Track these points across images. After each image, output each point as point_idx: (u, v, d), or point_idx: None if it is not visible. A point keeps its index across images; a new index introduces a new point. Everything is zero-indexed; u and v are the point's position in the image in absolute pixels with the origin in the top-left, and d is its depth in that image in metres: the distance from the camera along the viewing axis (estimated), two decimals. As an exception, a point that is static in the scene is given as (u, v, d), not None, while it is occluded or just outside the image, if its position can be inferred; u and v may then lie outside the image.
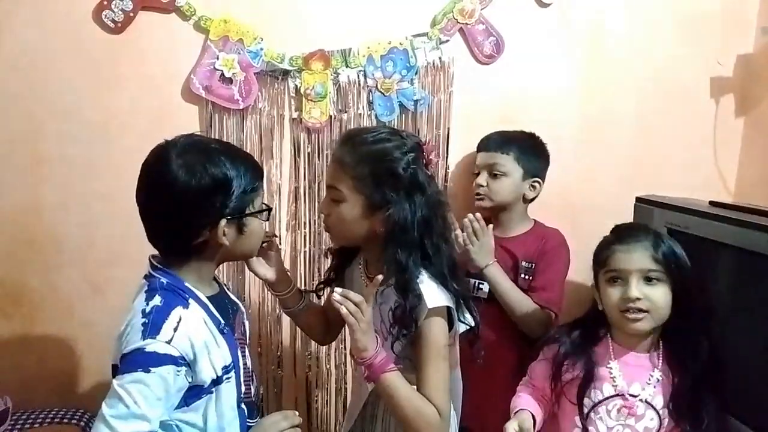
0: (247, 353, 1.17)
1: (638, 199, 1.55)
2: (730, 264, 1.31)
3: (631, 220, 1.54)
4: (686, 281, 1.18)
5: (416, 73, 1.70)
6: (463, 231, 1.52)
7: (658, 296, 1.17)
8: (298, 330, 1.80)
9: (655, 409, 1.19)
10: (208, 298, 1.07)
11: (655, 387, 1.20)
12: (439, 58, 1.71)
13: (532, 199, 1.64)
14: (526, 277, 1.58)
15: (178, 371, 0.98)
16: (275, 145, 1.71)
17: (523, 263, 1.58)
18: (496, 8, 1.71)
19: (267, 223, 1.17)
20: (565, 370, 1.26)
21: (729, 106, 1.84)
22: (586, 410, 1.23)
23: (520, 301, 1.52)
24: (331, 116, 1.69)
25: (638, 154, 1.83)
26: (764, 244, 1.18)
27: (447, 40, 1.71)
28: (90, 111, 1.63)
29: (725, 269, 1.34)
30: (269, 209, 1.13)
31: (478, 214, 1.54)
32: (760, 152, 1.80)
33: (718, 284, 1.35)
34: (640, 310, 1.17)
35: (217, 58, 1.62)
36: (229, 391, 1.06)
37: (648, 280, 1.17)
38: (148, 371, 0.95)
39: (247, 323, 1.23)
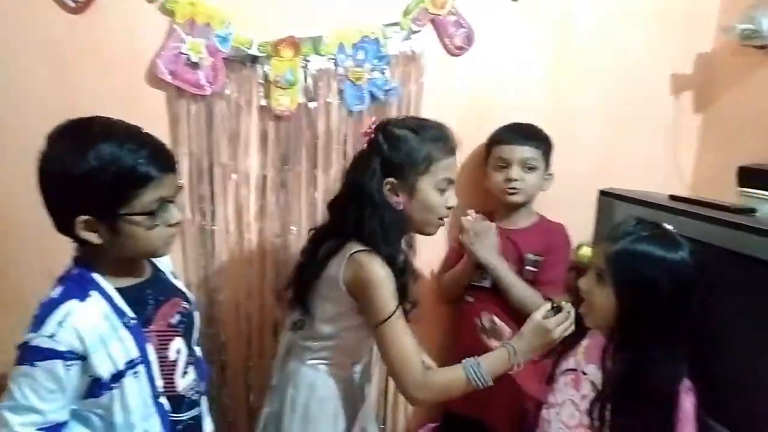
0: (182, 345, 1.14)
1: (601, 192, 1.59)
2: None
3: (595, 213, 1.58)
4: (642, 293, 1.11)
5: (387, 63, 1.69)
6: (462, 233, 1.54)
7: (599, 297, 1.15)
8: (266, 321, 1.80)
9: (596, 389, 1.19)
10: (122, 289, 1.04)
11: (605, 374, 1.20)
12: (411, 48, 1.71)
13: None
14: (533, 269, 1.62)
15: (68, 365, 0.97)
16: (243, 132, 1.68)
17: (530, 255, 1.63)
18: (467, 0, 1.72)
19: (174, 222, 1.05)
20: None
21: (688, 102, 1.91)
22: (555, 375, 1.28)
23: (529, 297, 1.56)
24: (300, 104, 1.67)
25: (603, 147, 1.88)
26: (720, 236, 1.23)
27: (418, 31, 1.71)
28: (47, 95, 1.56)
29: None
30: (149, 213, 1.00)
31: (479, 214, 1.56)
32: (716, 148, 1.87)
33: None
34: (582, 302, 1.20)
35: (184, 42, 1.57)
36: (136, 385, 1.03)
37: (599, 277, 1.16)
38: (33, 365, 0.95)
39: (195, 315, 1.21)
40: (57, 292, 1.01)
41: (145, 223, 1.00)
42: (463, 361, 1.21)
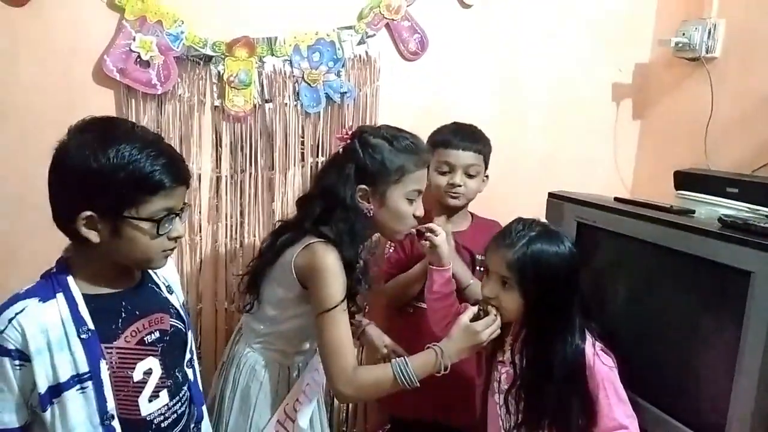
0: (155, 366, 1.05)
1: (550, 195, 1.65)
2: (633, 254, 1.44)
3: (544, 215, 1.64)
4: (546, 289, 1.20)
5: (343, 66, 1.70)
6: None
7: (507, 300, 1.24)
8: (219, 325, 1.76)
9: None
10: (93, 297, 0.99)
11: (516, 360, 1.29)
12: (366, 52, 1.73)
13: None
14: (481, 269, 1.64)
15: (16, 365, 0.92)
16: (195, 133, 1.65)
17: (478, 257, 1.64)
18: (421, 6, 1.75)
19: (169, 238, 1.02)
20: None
21: (627, 110, 2.02)
22: (492, 369, 1.36)
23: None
24: (255, 105, 1.66)
25: (547, 151, 1.96)
26: (661, 236, 1.31)
27: (373, 35, 1.73)
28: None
29: (628, 259, 1.47)
30: (154, 221, 0.98)
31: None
32: (654, 153, 1.99)
33: (622, 273, 1.48)
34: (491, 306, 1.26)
35: (134, 40, 1.53)
36: (81, 403, 0.96)
37: (504, 283, 1.24)
38: None
39: (188, 335, 1.15)
40: (25, 288, 0.97)
41: (149, 231, 0.98)
42: (392, 360, 1.23)
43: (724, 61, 1.71)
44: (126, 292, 1.05)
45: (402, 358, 1.24)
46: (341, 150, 1.33)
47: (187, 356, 1.15)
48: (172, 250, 1.05)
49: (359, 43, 1.72)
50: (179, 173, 1.01)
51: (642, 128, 2.03)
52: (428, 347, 1.26)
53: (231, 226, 1.72)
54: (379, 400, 1.79)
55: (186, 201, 1.06)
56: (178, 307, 1.14)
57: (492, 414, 1.37)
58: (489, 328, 1.24)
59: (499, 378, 1.33)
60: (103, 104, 1.55)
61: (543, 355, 1.22)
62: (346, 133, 1.33)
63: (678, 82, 1.87)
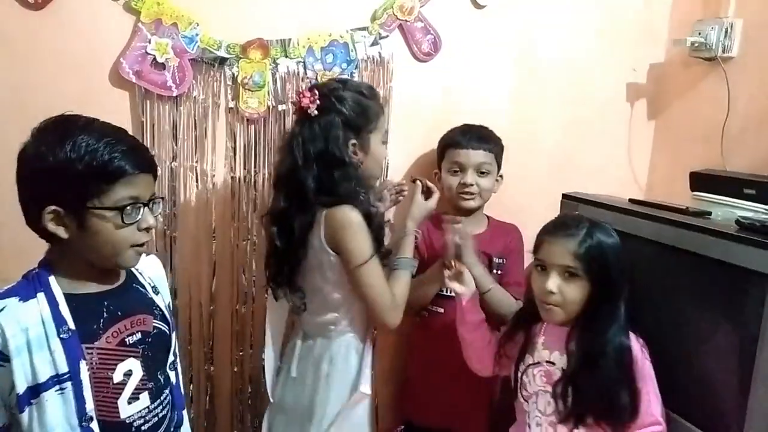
0: (136, 367, 1.04)
1: (564, 196, 1.64)
2: (648, 256, 1.43)
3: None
4: (606, 279, 1.23)
5: (356, 67, 1.70)
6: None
7: (572, 292, 1.24)
8: (232, 326, 1.77)
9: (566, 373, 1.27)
10: (74, 296, 0.99)
11: (569, 356, 1.27)
12: (379, 53, 1.73)
13: None
14: (498, 271, 1.65)
15: None
16: (209, 134, 1.65)
17: (496, 259, 1.64)
18: (434, 7, 1.75)
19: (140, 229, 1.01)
20: (509, 346, 1.38)
21: (642, 110, 2.00)
22: (519, 373, 1.33)
23: (504, 300, 1.57)
24: (269, 107, 1.66)
25: (561, 152, 1.94)
26: (677, 238, 1.30)
27: (386, 36, 1.73)
28: (1, 92, 1.50)
29: (643, 262, 1.46)
30: (118, 209, 0.97)
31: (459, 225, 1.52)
32: (669, 154, 1.97)
33: (637, 276, 1.46)
34: (554, 304, 1.25)
35: (149, 42, 1.54)
36: (59, 404, 0.94)
37: (568, 274, 1.24)
38: None
39: (171, 337, 1.14)
40: (7, 287, 0.98)
41: (114, 220, 0.97)
42: (397, 262, 1.41)
43: (742, 61, 1.69)
44: (109, 292, 1.05)
45: (402, 256, 1.43)
46: (315, 112, 1.32)
47: (170, 359, 1.15)
48: (143, 244, 1.03)
49: (372, 45, 1.72)
50: (140, 160, 1.00)
51: (657, 129, 2.01)
52: (401, 235, 1.48)
53: (245, 227, 1.72)
54: (394, 406, 1.81)
55: (160, 194, 1.06)
56: (163, 309, 1.13)
57: (520, 420, 1.36)
58: (434, 199, 1.55)
59: (531, 380, 1.32)
60: (118, 106, 1.56)
61: (597, 345, 1.23)
62: (305, 95, 1.32)
63: (694, 82, 1.85)
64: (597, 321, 1.24)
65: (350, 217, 1.29)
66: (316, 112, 1.32)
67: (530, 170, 1.91)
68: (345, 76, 1.50)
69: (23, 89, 1.51)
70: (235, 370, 1.80)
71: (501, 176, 1.72)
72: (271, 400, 1.49)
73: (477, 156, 1.64)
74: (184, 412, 1.21)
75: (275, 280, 1.42)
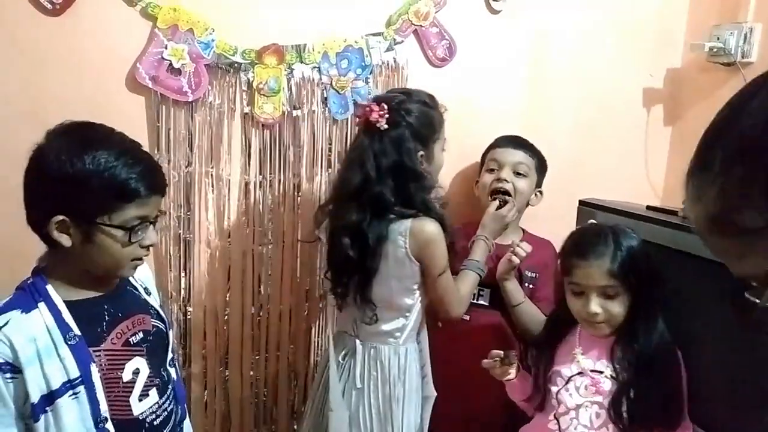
0: (142, 365, 1.07)
1: (581, 202, 1.63)
2: (667, 264, 1.41)
3: (574, 222, 1.62)
4: (642, 284, 1.25)
5: (371, 73, 1.70)
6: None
7: (616, 308, 1.25)
8: (246, 331, 1.77)
9: (617, 379, 1.26)
10: (75, 303, 1.00)
11: (618, 365, 1.27)
12: (394, 58, 1.72)
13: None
14: (530, 285, 1.64)
15: (7, 378, 0.92)
16: (225, 140, 1.66)
17: (527, 273, 1.63)
18: (449, 12, 1.74)
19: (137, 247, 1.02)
20: (534, 362, 1.38)
21: (659, 116, 1.98)
22: (556, 388, 1.31)
23: (534, 314, 1.57)
24: (284, 112, 1.66)
25: (578, 159, 1.93)
26: (694, 245, 1.28)
27: (401, 41, 1.72)
28: (17, 97, 1.50)
29: (663, 269, 1.44)
30: (127, 229, 0.98)
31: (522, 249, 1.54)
32: (685, 159, 1.92)
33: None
34: (600, 321, 1.25)
35: (166, 48, 1.55)
36: (74, 408, 0.96)
37: (606, 294, 1.24)
38: None
39: (169, 334, 1.16)
40: (5, 300, 0.98)
41: (121, 239, 0.99)
42: (467, 264, 1.49)
43: (761, 67, 1.66)
44: (106, 295, 1.06)
45: (471, 259, 1.50)
46: (385, 126, 1.34)
47: (169, 355, 1.17)
48: (142, 258, 1.05)
49: (387, 50, 1.72)
50: (155, 182, 1.02)
51: (674, 134, 1.99)
52: (474, 240, 1.53)
53: (260, 232, 1.72)
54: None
55: (161, 209, 1.07)
56: (157, 308, 1.16)
57: None
58: (510, 212, 1.58)
59: (574, 392, 1.29)
60: (134, 111, 1.57)
61: (647, 350, 1.23)
62: (376, 109, 1.34)
63: (712, 88, 1.83)
64: (640, 326, 1.25)
65: (434, 231, 1.35)
66: (386, 126, 1.34)
67: (546, 176, 1.89)
68: (407, 87, 1.55)
69: (41, 94, 1.51)
70: (251, 374, 1.80)
71: (540, 192, 1.71)
72: (332, 409, 1.46)
73: (515, 155, 1.65)
74: (185, 406, 1.23)
75: (344, 291, 1.43)
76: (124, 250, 1.00)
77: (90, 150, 0.95)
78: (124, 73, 1.56)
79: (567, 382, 1.30)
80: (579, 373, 1.29)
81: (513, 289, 1.58)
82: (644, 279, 1.25)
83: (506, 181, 1.62)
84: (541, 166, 1.71)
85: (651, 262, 1.27)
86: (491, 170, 1.67)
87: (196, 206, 1.66)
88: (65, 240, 0.97)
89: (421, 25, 1.72)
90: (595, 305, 1.24)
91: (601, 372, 1.27)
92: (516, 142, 1.69)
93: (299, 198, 1.73)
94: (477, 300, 1.61)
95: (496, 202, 1.59)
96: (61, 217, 0.95)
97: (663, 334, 1.25)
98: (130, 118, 1.57)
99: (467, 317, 1.64)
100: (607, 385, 1.27)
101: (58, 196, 0.96)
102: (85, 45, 1.52)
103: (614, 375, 1.26)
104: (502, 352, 1.38)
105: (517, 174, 1.64)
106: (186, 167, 1.63)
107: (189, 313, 1.71)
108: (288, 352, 1.82)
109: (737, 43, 1.69)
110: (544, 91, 1.88)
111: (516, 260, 1.53)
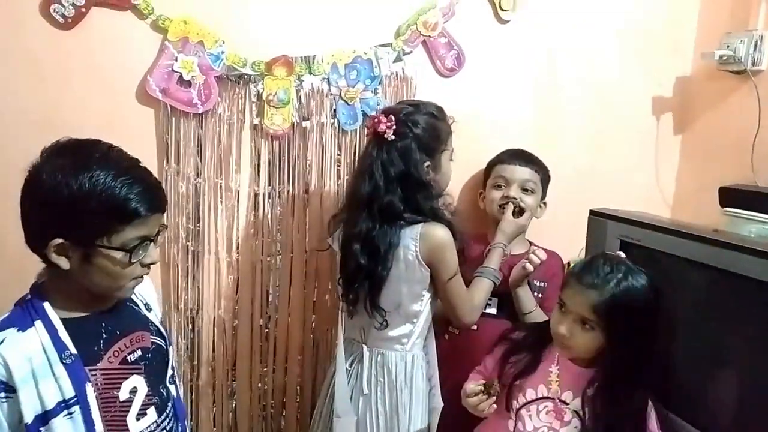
0: (140, 383, 1.05)
1: (592, 212, 1.61)
2: (681, 275, 1.39)
3: (585, 233, 1.61)
4: (631, 333, 1.17)
5: (380, 83, 1.70)
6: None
7: (587, 340, 1.20)
8: (254, 342, 1.76)
9: (582, 420, 1.22)
10: (71, 321, 0.98)
11: (587, 407, 1.21)
12: (402, 69, 1.72)
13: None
14: (539, 295, 1.64)
15: (2, 397, 0.90)
16: (234, 151, 1.66)
17: (536, 282, 1.63)
18: (458, 22, 1.75)
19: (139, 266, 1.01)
20: (512, 363, 1.31)
21: (668, 124, 1.97)
22: (517, 405, 1.28)
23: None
24: (293, 123, 1.67)
25: (587, 168, 1.92)
26: (707, 255, 1.27)
27: (410, 52, 1.72)
28: (29, 109, 1.51)
29: (676, 280, 1.42)
30: (127, 250, 0.96)
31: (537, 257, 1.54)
32: (696, 169, 1.94)
33: (669, 295, 1.43)
34: (565, 343, 1.22)
35: (176, 60, 1.56)
36: (68, 429, 0.94)
37: (583, 323, 1.19)
38: None
39: (169, 351, 1.14)
40: (2, 317, 0.96)
41: (121, 260, 0.97)
42: (482, 271, 1.50)
43: (772, 75, 1.67)
44: (104, 312, 1.04)
45: (486, 266, 1.51)
46: (392, 137, 1.37)
47: (169, 372, 1.15)
48: (142, 277, 1.03)
49: (396, 61, 1.72)
50: (154, 201, 0.99)
51: (684, 143, 1.98)
52: (491, 246, 1.55)
53: (268, 243, 1.72)
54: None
55: (163, 223, 1.04)
56: (158, 324, 1.14)
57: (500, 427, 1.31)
58: (528, 220, 1.63)
59: (534, 415, 1.27)
60: (144, 123, 1.58)
61: (616, 412, 1.17)
62: (383, 120, 1.37)
63: (722, 96, 1.82)
64: (618, 382, 1.19)
65: (445, 235, 1.38)
66: (393, 136, 1.37)
67: (554, 185, 1.88)
68: (417, 99, 1.60)
69: (52, 107, 1.53)
70: (259, 386, 1.79)
71: (545, 203, 1.71)
72: (338, 416, 1.46)
73: (523, 173, 1.66)
74: (186, 423, 1.22)
75: (354, 297, 1.43)
76: (124, 271, 0.98)
77: (86, 170, 0.92)
78: (134, 85, 1.57)
79: (529, 403, 1.27)
80: (547, 398, 1.26)
81: (525, 296, 1.59)
82: (631, 336, 1.17)
83: (515, 198, 1.64)
84: (546, 179, 1.72)
85: (652, 323, 1.19)
86: (498, 186, 1.68)
87: (205, 217, 1.66)
88: (64, 263, 0.95)
89: (429, 36, 1.72)
90: (564, 328, 1.20)
91: (567, 404, 1.24)
92: (522, 158, 1.69)
93: (308, 209, 1.73)
94: (486, 309, 1.61)
95: (511, 206, 1.61)
96: (59, 241, 0.93)
97: (640, 402, 1.19)
98: (140, 130, 1.58)
99: (475, 327, 1.63)
100: (568, 417, 1.23)
101: (55, 220, 0.93)
102: (96, 58, 1.54)
103: (579, 415, 1.22)
104: (482, 384, 1.29)
105: (525, 190, 1.66)
106: (195, 179, 1.64)
107: (197, 325, 1.70)
108: (296, 363, 1.81)
109: (747, 50, 1.68)
110: (554, 100, 1.88)
111: (530, 267, 1.54)
